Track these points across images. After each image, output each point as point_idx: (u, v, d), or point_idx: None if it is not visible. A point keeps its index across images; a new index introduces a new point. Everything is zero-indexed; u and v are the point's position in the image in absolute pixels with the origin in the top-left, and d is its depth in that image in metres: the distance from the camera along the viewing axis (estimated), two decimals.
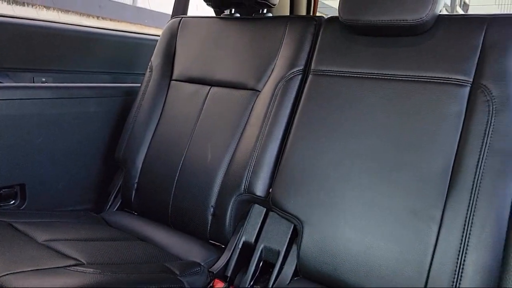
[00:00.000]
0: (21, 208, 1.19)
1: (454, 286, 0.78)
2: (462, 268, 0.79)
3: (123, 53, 1.60)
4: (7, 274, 0.70)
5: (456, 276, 0.79)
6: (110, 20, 4.30)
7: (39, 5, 3.66)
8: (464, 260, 0.79)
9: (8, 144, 1.14)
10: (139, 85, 1.41)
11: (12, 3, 3.44)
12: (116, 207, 1.32)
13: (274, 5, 1.27)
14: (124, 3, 4.40)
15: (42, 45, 1.35)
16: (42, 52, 1.35)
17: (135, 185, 1.28)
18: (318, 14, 1.74)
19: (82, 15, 4.06)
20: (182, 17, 1.41)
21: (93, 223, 1.17)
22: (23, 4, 3.52)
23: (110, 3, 4.21)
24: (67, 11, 3.90)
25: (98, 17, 4.17)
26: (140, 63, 1.61)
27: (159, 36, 1.45)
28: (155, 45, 1.42)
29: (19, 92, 1.17)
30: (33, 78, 1.32)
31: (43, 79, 1.34)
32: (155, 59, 1.39)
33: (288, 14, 1.68)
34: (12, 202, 1.18)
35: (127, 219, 1.26)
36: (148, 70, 1.39)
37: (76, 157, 1.30)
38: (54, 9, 3.76)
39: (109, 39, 1.57)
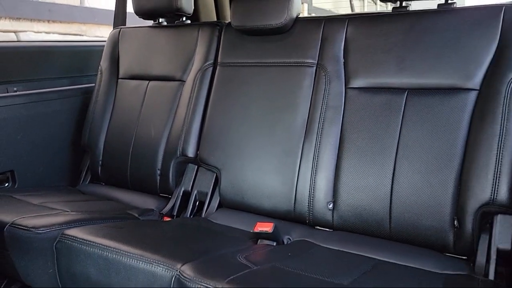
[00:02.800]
0: (14, 189, 1.56)
1: (309, 194, 1.24)
2: (314, 182, 1.24)
3: (76, 60, 1.94)
4: (18, 218, 1.10)
5: (310, 188, 1.24)
6: (61, 22, 4.49)
7: None
8: (315, 177, 1.24)
9: (0, 141, 1.50)
10: (93, 85, 1.78)
11: None
12: (88, 181, 1.72)
13: (190, 14, 1.66)
14: (73, 4, 4.61)
15: (11, 61, 1.69)
16: (11, 67, 1.69)
17: (100, 162, 1.68)
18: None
19: (33, 21, 4.25)
20: (121, 28, 1.78)
21: (71, 192, 1.57)
22: None
23: (58, 6, 4.40)
24: (18, 18, 4.09)
25: (48, 21, 4.36)
26: (92, 66, 1.95)
27: (105, 41, 1.81)
28: (102, 50, 1.79)
29: (2, 100, 1.52)
30: (7, 88, 1.66)
31: (15, 89, 1.69)
32: (104, 63, 1.76)
33: (215, 19, 2.04)
34: (6, 185, 1.55)
35: (97, 188, 1.65)
36: (99, 72, 1.76)
37: (51, 146, 1.67)
38: (6, 18, 3.95)
39: (64, 50, 1.92)
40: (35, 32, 4.27)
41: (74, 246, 1.01)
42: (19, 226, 1.07)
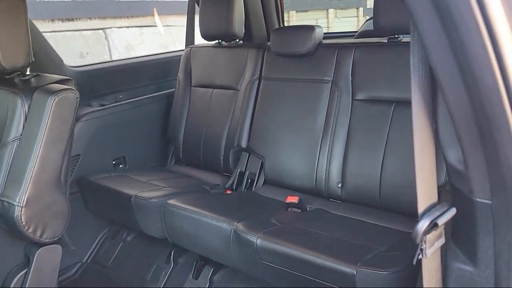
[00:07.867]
0: (126, 169, 2.27)
1: (325, 176, 1.76)
2: (329, 168, 1.76)
3: (159, 69, 2.57)
4: (139, 192, 1.77)
5: (326, 172, 1.76)
6: (137, 17, 5.22)
7: (81, 18, 4.66)
8: (329, 165, 1.76)
9: (115, 136, 2.19)
10: (173, 90, 2.40)
11: (64, 21, 4.47)
12: (173, 162, 2.38)
13: (241, 37, 2.18)
14: (145, 0, 5.29)
15: (116, 75, 2.36)
16: (117, 80, 2.36)
17: (181, 149, 2.33)
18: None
19: (115, 18, 5.01)
20: (192, 47, 2.36)
21: (163, 171, 2.24)
22: (72, 19, 4.54)
23: (135, 3, 5.12)
24: (104, 17, 4.87)
25: (127, 17, 5.11)
26: (170, 73, 2.56)
27: (183, 50, 2.39)
28: (177, 60, 2.38)
29: (114, 108, 2.21)
30: (116, 97, 2.34)
31: (121, 96, 2.36)
32: (180, 74, 2.37)
33: (266, 38, 2.48)
34: (121, 166, 2.26)
35: (179, 168, 2.31)
36: (177, 82, 2.37)
37: (148, 137, 2.35)
38: (95, 18, 4.75)
39: (150, 62, 2.56)
40: (117, 27, 5.05)
41: (174, 211, 1.66)
42: (140, 197, 1.74)
